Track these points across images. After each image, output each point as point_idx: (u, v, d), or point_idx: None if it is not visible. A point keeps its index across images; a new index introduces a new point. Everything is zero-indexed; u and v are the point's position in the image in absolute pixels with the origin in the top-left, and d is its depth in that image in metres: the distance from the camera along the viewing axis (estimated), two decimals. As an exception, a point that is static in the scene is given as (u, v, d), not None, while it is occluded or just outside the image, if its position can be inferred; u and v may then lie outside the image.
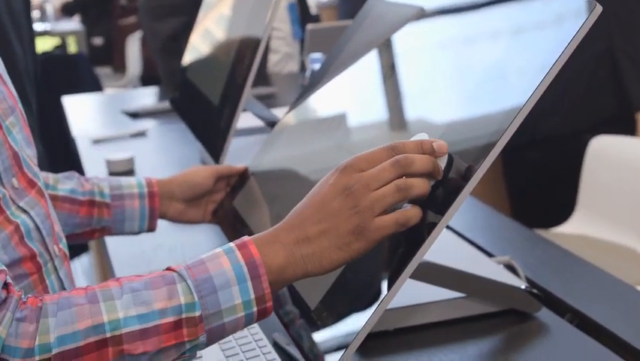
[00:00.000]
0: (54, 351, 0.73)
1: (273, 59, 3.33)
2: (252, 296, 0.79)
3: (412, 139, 0.85)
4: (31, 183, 0.95)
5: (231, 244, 0.81)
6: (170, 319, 0.77)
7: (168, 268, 0.81)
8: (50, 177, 1.22)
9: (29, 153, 0.98)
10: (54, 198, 1.18)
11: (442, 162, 0.84)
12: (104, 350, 0.75)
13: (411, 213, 0.81)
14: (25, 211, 0.91)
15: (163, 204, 1.29)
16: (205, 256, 0.81)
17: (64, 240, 1.03)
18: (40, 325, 0.74)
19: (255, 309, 0.79)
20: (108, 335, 0.75)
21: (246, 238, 0.82)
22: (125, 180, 1.29)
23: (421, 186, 0.81)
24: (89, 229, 1.24)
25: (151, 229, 1.30)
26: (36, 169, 0.98)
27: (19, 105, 0.99)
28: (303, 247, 0.81)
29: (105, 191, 1.25)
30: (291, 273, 0.81)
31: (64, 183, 1.23)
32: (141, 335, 0.76)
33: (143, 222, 1.28)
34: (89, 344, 0.74)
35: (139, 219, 1.28)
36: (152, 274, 0.80)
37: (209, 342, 0.79)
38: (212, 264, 0.79)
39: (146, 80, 5.32)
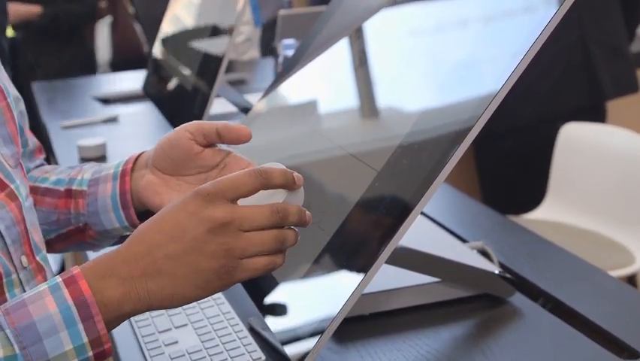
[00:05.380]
0: None
1: (235, 41, 3.33)
2: (85, 340, 0.70)
3: (268, 164, 0.79)
4: (1, 185, 0.86)
5: (58, 279, 0.71)
6: None
7: None
8: (49, 169, 1.07)
9: (5, 153, 0.88)
10: (35, 193, 1.02)
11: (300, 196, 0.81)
12: None
13: (279, 259, 0.76)
14: None
15: (136, 182, 0.97)
16: (27, 297, 0.70)
17: (43, 252, 0.92)
18: None
19: (90, 354, 0.70)
20: None
21: (75, 269, 0.72)
22: (116, 161, 1.02)
23: (293, 239, 0.77)
24: (72, 227, 1.02)
25: (132, 224, 0.98)
26: (12, 171, 0.88)
27: (9, 99, 0.90)
28: (150, 281, 0.72)
29: (86, 176, 1.02)
30: (130, 309, 0.72)
31: (56, 174, 1.04)
32: None
33: (118, 213, 0.98)
34: None
35: (112, 209, 0.98)
36: None
37: None
38: (36, 306, 0.69)
39: (115, 65, 5.27)
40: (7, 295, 0.83)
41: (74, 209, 1.02)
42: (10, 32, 3.26)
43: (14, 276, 0.85)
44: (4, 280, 0.83)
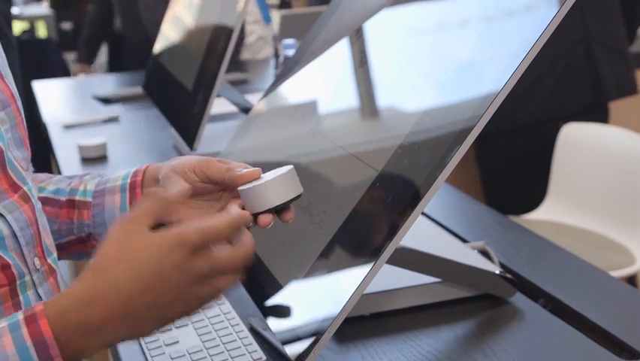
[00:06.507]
0: None
1: (248, 40, 3.33)
2: None
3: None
4: (15, 187, 0.85)
5: (20, 316, 0.70)
6: None
7: None
8: (44, 178, 1.06)
9: (17, 155, 0.88)
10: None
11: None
12: None
13: (224, 285, 0.74)
14: (0, 215, 0.82)
15: None
16: None
17: (54, 255, 0.92)
18: None
19: None
20: None
21: (38, 306, 0.70)
22: (119, 173, 1.03)
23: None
24: (73, 237, 1.03)
25: None
26: (24, 173, 0.88)
27: (18, 103, 0.90)
28: (122, 327, 0.70)
29: (89, 187, 1.02)
30: (94, 352, 0.71)
31: (55, 184, 1.04)
32: None
33: None
34: None
35: None
36: None
37: None
38: None
39: (114, 66, 5.27)
40: (21, 297, 0.83)
41: (78, 219, 1.01)
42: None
43: (27, 278, 0.84)
44: (18, 282, 0.83)
